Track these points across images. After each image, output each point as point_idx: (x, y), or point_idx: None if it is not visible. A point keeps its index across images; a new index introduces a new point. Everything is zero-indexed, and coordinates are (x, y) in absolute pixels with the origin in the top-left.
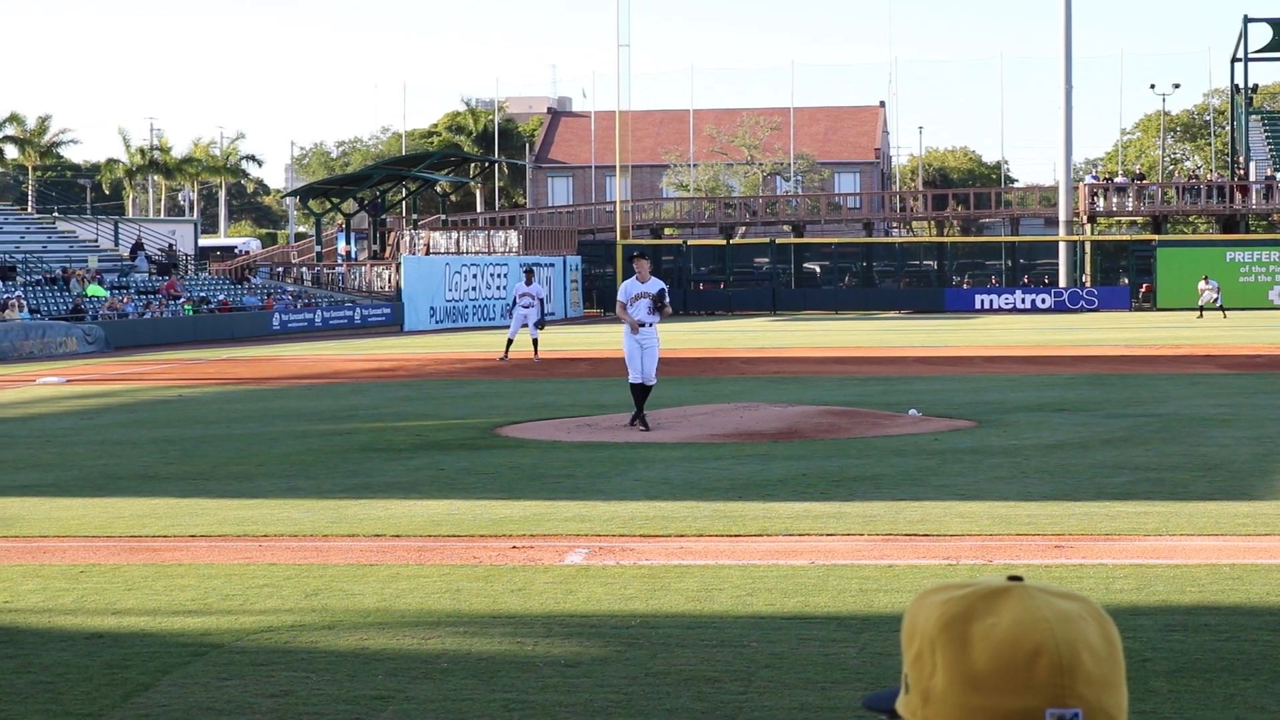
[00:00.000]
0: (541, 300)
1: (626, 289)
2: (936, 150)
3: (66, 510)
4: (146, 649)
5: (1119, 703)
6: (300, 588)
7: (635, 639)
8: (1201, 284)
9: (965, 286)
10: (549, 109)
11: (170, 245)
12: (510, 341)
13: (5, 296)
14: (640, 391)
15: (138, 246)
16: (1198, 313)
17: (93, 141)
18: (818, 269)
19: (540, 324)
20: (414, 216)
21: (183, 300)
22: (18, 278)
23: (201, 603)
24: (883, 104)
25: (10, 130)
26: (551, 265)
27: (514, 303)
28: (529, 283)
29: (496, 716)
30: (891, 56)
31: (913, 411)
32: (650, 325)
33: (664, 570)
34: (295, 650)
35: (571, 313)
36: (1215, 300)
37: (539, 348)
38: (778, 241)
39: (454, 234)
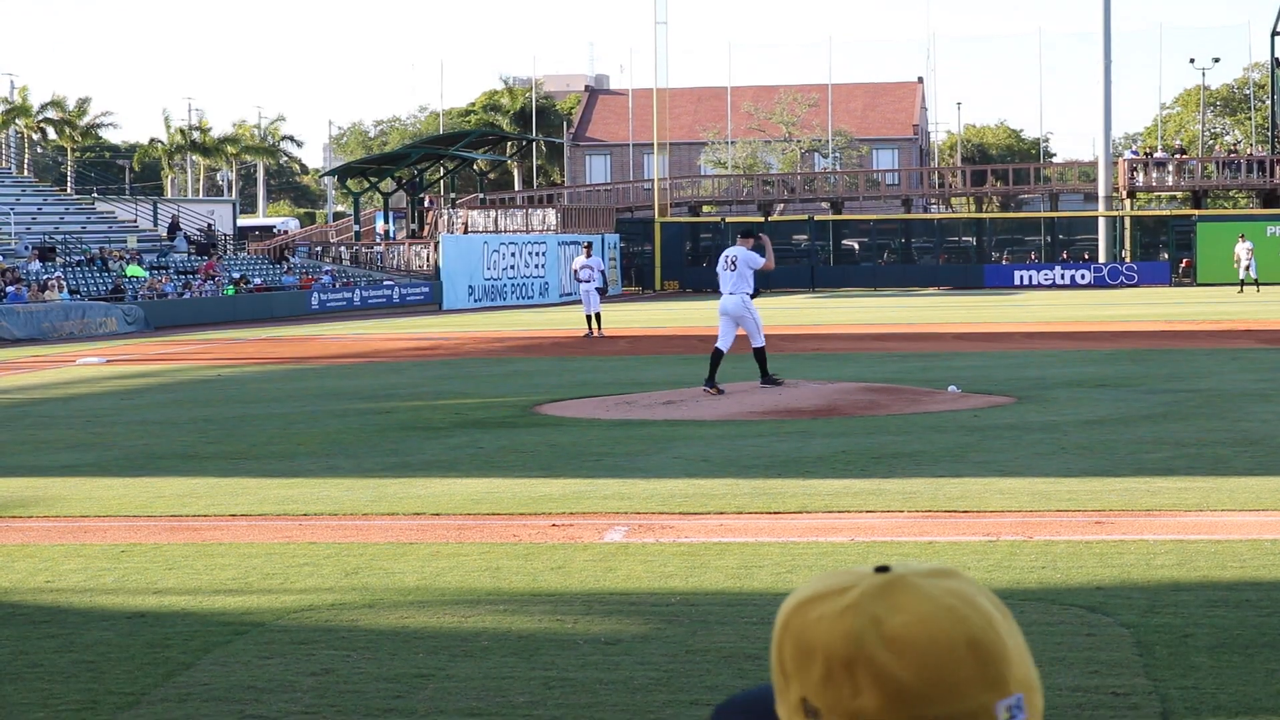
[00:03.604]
0: (603, 272)
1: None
2: (975, 126)
3: (107, 490)
4: (188, 628)
5: (1033, 671)
6: (340, 566)
7: (675, 616)
8: (1238, 245)
9: (1004, 262)
10: (586, 87)
11: (209, 225)
12: (589, 318)
13: (45, 277)
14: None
15: (176, 226)
16: (1238, 288)
17: (132, 123)
18: (856, 246)
19: (600, 290)
20: (452, 195)
21: (220, 280)
22: (57, 258)
23: (242, 582)
24: (921, 80)
25: (50, 113)
26: (590, 244)
27: (578, 278)
28: (588, 256)
29: (537, 694)
30: (930, 32)
31: (952, 388)
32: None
33: (703, 548)
34: (336, 629)
35: (611, 290)
36: (1248, 267)
37: (600, 324)
38: (816, 218)
39: (492, 213)
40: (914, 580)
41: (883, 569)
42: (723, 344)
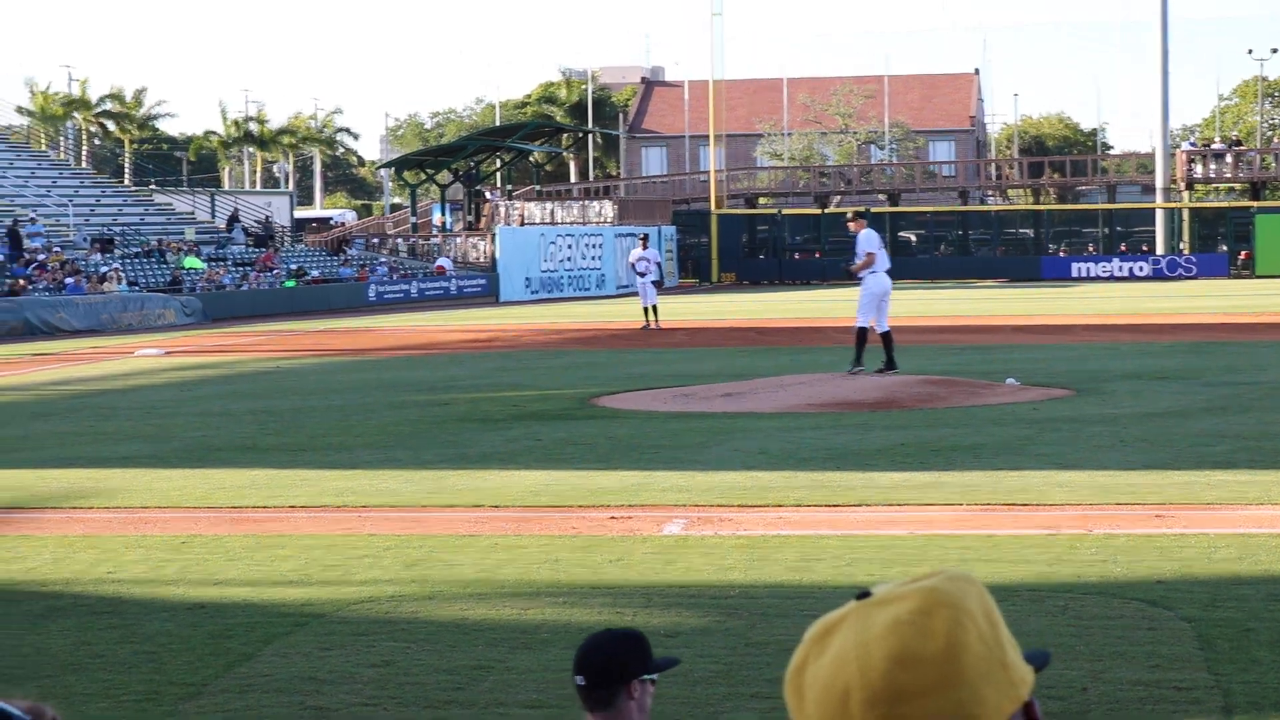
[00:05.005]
0: (659, 265)
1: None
2: (1031, 118)
3: (167, 481)
4: (248, 619)
5: (975, 695)
6: (400, 558)
7: (734, 609)
8: None
9: (1062, 255)
10: (643, 79)
11: (266, 217)
12: (646, 310)
13: (104, 269)
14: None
15: (234, 218)
16: None
17: (189, 114)
18: (913, 238)
19: (657, 283)
20: (508, 187)
21: (277, 271)
22: (116, 250)
23: (302, 573)
24: (977, 71)
25: (109, 105)
26: (646, 236)
27: (635, 270)
28: (645, 248)
29: None
30: (986, 23)
31: (1010, 380)
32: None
33: (762, 541)
34: (396, 620)
35: (668, 282)
36: None
37: (657, 315)
38: (873, 210)
39: (548, 205)
40: (857, 615)
41: (864, 594)
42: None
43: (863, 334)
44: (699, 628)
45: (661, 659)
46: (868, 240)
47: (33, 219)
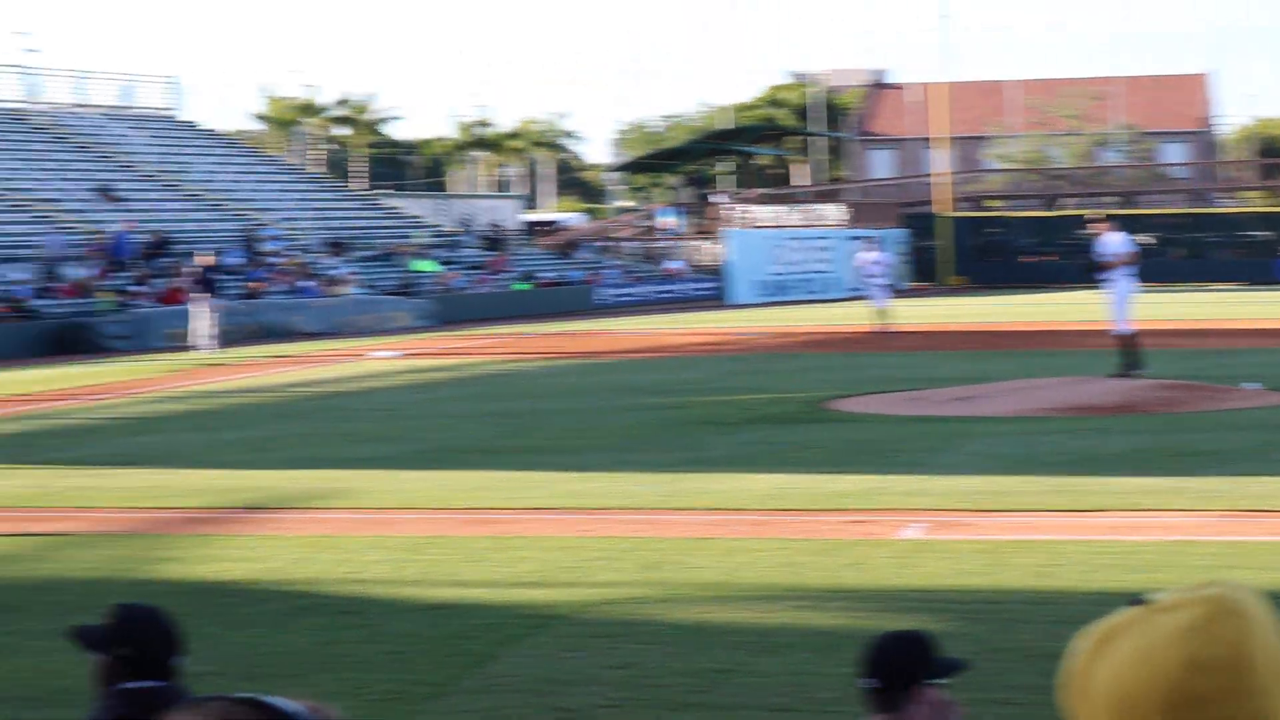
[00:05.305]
0: (890, 268)
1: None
2: (1267, 119)
3: (406, 482)
4: (489, 620)
5: (1266, 706)
6: (637, 560)
7: (976, 614)
8: None
9: None
10: (874, 82)
11: (496, 220)
12: (877, 313)
13: (335, 272)
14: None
15: (464, 221)
16: None
17: (417, 118)
18: (1145, 240)
19: (888, 286)
20: (736, 190)
21: (509, 275)
22: (348, 253)
23: (541, 574)
24: (1209, 72)
25: (339, 111)
26: (877, 239)
27: (864, 273)
28: (875, 251)
29: (838, 691)
30: (1217, 23)
31: (1250, 385)
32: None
33: (1003, 545)
34: (636, 622)
35: (898, 286)
36: None
37: (889, 319)
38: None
39: (777, 208)
40: (1140, 620)
41: (1136, 601)
42: None
43: (1130, 337)
44: (940, 633)
45: (949, 660)
46: (1119, 242)
47: (268, 223)
